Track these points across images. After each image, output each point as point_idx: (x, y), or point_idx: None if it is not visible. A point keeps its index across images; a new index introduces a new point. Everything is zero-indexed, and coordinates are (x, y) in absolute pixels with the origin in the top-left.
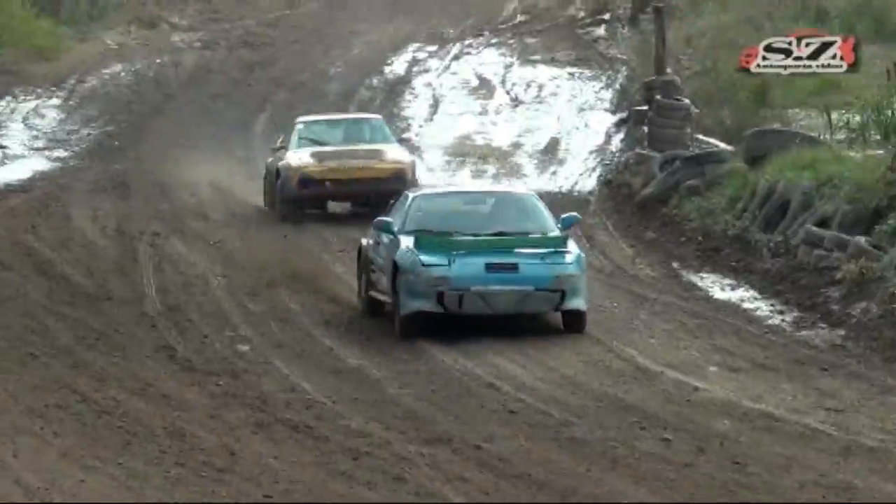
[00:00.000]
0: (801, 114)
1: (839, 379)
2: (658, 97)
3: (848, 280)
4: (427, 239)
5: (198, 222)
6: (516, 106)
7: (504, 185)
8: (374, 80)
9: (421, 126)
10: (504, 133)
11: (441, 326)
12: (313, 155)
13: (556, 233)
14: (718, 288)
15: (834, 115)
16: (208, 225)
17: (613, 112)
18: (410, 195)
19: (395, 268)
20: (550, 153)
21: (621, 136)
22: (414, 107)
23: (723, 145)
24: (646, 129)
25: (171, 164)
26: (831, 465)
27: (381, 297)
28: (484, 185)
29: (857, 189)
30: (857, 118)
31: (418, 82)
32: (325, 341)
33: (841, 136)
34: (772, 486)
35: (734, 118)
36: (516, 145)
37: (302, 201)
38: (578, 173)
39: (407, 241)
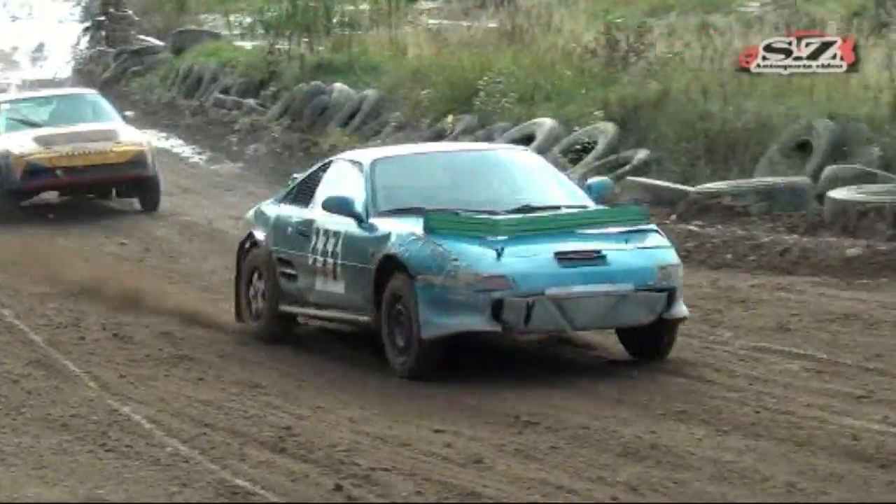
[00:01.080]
0: (210, 18)
1: (239, 196)
2: (111, 10)
3: (243, 129)
4: (444, 219)
5: None
6: (14, 21)
7: (490, 144)
8: None
9: None
10: (6, 40)
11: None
12: (37, 140)
13: (590, 204)
14: (155, 139)
15: (232, 17)
16: None
17: (81, 22)
18: (364, 161)
19: (388, 267)
20: (39, 52)
21: (87, 38)
22: None
23: (156, 42)
24: (104, 32)
25: None
26: None
27: (324, 314)
28: (464, 143)
29: (248, 67)
30: (248, 19)
31: None
32: None
33: (237, 32)
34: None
35: (163, 22)
36: (15, 48)
37: (27, 194)
38: (59, 65)
39: (403, 226)
